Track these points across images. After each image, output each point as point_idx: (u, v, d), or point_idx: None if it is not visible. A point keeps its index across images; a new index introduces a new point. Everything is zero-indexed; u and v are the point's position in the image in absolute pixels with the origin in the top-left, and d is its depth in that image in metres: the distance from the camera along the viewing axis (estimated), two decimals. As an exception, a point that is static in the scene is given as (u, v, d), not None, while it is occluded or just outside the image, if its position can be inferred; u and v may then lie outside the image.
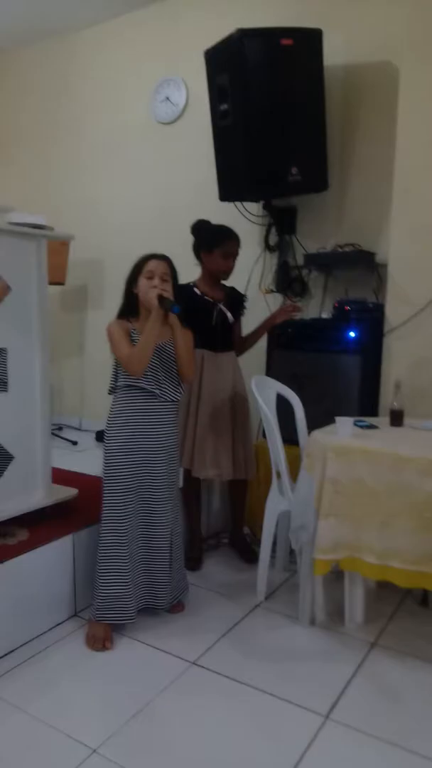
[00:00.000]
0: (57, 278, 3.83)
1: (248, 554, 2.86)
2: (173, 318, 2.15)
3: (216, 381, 2.66)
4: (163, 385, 2.17)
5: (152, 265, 2.16)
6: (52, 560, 2.20)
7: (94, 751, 1.62)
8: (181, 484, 2.54)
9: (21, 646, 2.09)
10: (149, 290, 2.11)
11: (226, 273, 2.66)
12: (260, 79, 2.74)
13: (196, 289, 2.66)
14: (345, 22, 3.00)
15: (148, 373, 2.14)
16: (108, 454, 2.17)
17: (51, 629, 2.18)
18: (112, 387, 2.22)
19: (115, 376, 2.20)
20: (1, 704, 1.80)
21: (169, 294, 2.13)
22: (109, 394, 2.23)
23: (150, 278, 2.13)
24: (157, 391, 2.16)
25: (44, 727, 1.70)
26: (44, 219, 2.24)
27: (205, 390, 2.64)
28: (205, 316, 2.63)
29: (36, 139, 4.32)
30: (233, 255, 2.63)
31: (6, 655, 2.04)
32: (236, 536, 2.95)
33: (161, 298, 2.10)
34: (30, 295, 2.27)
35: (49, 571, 2.18)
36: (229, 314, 2.66)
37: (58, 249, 3.78)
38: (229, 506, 3.00)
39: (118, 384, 2.18)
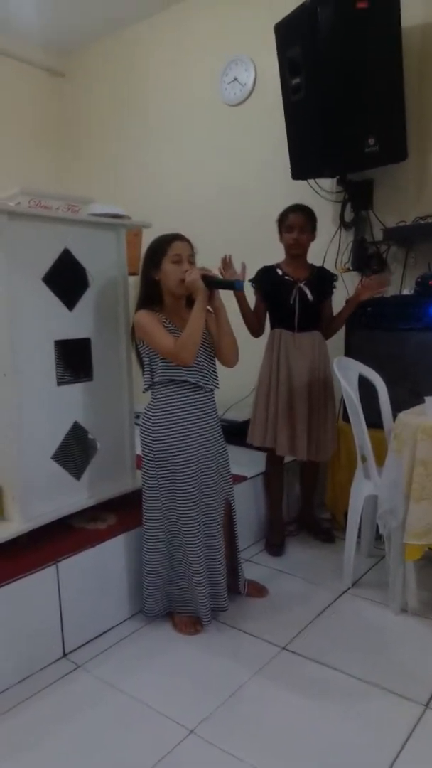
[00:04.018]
0: (131, 269, 3.86)
1: (324, 534, 2.84)
2: (218, 301, 2.03)
3: (293, 361, 2.62)
4: (206, 375, 2.06)
5: (178, 247, 1.98)
6: (140, 544, 2.23)
7: (192, 731, 1.64)
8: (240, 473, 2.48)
9: (112, 627, 2.15)
10: (187, 274, 1.94)
11: (292, 246, 2.60)
12: (334, 47, 2.61)
13: (278, 270, 2.66)
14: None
15: (193, 364, 2.00)
16: (159, 457, 2.02)
17: (140, 612, 2.22)
18: (147, 384, 2.04)
19: (151, 372, 2.03)
20: (97, 683, 1.86)
21: (211, 273, 2.00)
22: (145, 392, 2.09)
23: (178, 262, 1.97)
24: (201, 383, 2.03)
25: (141, 706, 1.75)
26: (122, 210, 2.26)
27: (283, 370, 2.61)
28: (283, 295, 2.60)
29: (104, 132, 4.37)
30: (296, 226, 2.57)
31: (98, 636, 2.10)
32: (308, 517, 2.93)
33: (208, 279, 1.94)
34: (112, 285, 2.30)
35: (137, 555, 2.21)
36: (308, 293, 2.60)
37: (131, 240, 3.79)
38: (300, 487, 2.96)
39: (156, 380, 2.02)
